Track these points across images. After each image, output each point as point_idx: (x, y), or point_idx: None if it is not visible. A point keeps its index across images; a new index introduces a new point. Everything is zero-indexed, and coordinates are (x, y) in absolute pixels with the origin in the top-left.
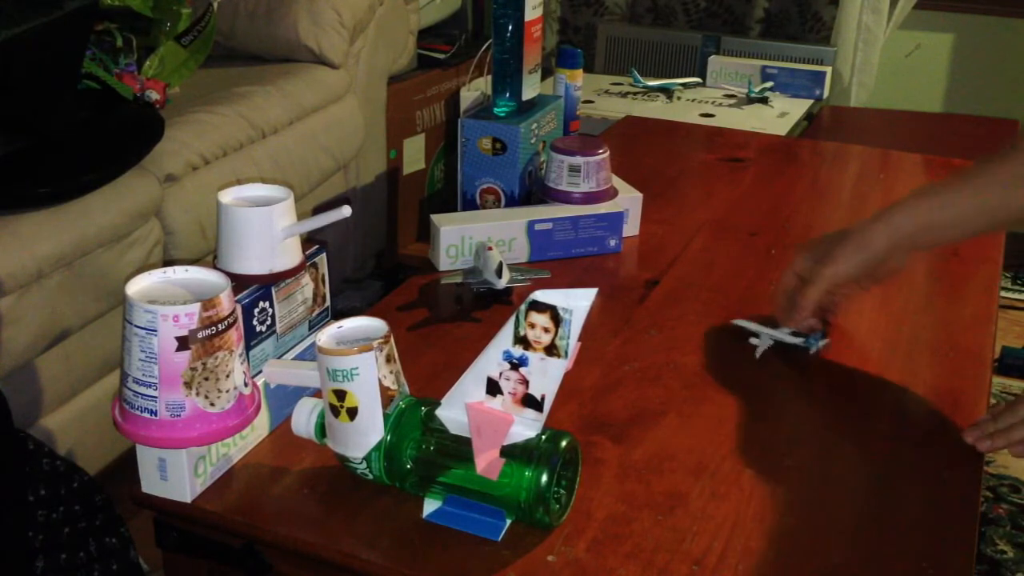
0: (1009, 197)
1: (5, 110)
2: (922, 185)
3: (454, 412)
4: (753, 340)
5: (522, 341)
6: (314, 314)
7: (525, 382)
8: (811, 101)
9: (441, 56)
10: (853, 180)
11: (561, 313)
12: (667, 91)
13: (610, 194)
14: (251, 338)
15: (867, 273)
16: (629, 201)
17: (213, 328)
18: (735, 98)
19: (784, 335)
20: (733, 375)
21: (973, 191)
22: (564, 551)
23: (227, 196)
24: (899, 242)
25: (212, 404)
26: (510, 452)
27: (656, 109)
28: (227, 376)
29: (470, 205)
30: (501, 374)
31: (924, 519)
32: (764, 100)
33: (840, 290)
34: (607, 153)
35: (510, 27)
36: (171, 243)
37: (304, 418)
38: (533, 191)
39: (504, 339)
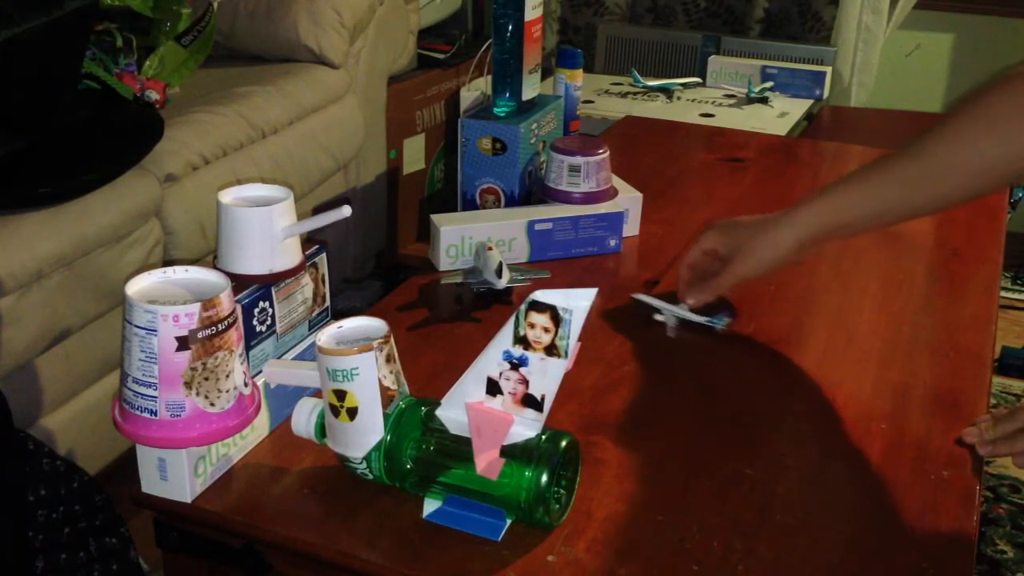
0: (911, 196)
1: (5, 110)
2: (830, 183)
3: (454, 412)
4: (657, 317)
5: (522, 341)
6: (314, 314)
7: (525, 382)
8: (811, 101)
9: (441, 56)
10: None
11: (561, 313)
12: (667, 91)
13: (610, 194)
14: (251, 338)
15: (774, 268)
16: (629, 201)
17: (213, 328)
18: (735, 98)
19: (686, 313)
20: (734, 375)
21: (875, 191)
22: (564, 551)
23: (227, 196)
24: (805, 241)
25: (212, 404)
26: (510, 452)
27: (656, 109)
28: (227, 376)
29: (470, 205)
30: (501, 374)
31: (924, 519)
32: (764, 100)
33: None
34: (607, 153)
35: (510, 27)
36: (171, 243)
37: (304, 418)
38: (533, 191)
39: (504, 339)
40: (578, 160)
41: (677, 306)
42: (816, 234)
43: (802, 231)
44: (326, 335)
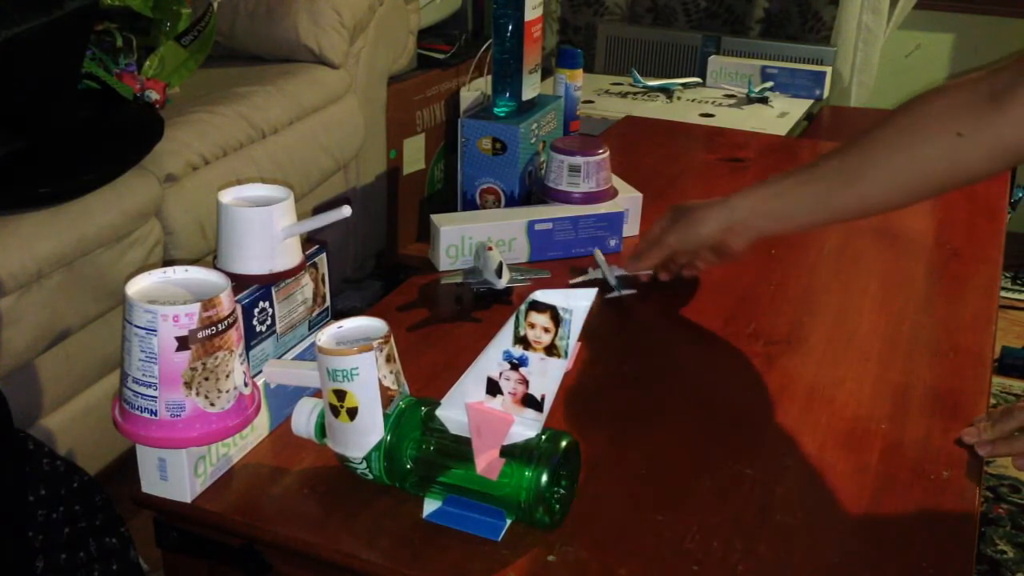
0: (842, 191)
1: (5, 110)
2: (772, 175)
3: (454, 412)
4: (592, 271)
5: (522, 341)
6: (314, 314)
7: (525, 382)
8: (811, 101)
9: (441, 56)
10: None
11: (561, 313)
12: (667, 91)
13: (610, 194)
14: (251, 338)
15: (703, 248)
16: (629, 201)
17: (213, 328)
18: (735, 98)
19: (611, 276)
20: (731, 376)
21: (807, 184)
22: (564, 551)
23: (227, 196)
24: (732, 226)
25: (212, 404)
26: (510, 452)
27: (656, 109)
28: (227, 376)
29: (470, 205)
30: (501, 374)
31: (924, 519)
32: (764, 100)
33: (684, 258)
34: (607, 153)
35: (510, 27)
36: (171, 243)
37: (304, 418)
38: (533, 191)
39: (504, 339)
40: (578, 160)
41: (612, 271)
42: (746, 220)
43: (732, 214)
44: (326, 335)
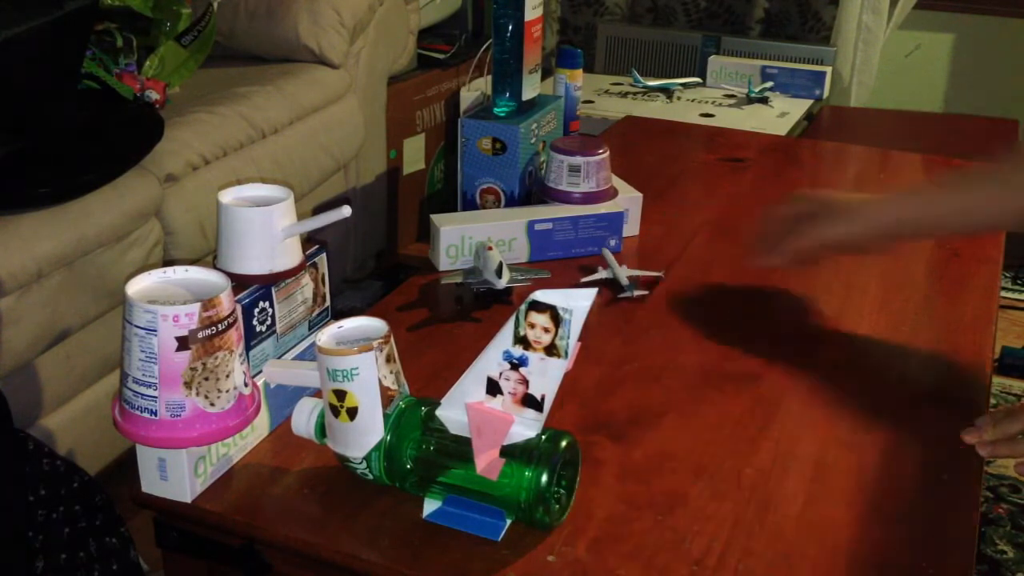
0: (990, 204)
1: (5, 110)
2: (920, 182)
3: (454, 412)
4: (602, 270)
5: (522, 341)
6: (314, 314)
7: (525, 382)
8: (811, 101)
9: (441, 56)
10: (853, 180)
11: (561, 313)
12: (667, 91)
13: (610, 194)
14: (251, 338)
15: (849, 246)
16: (629, 201)
17: (213, 328)
18: (735, 98)
19: (622, 277)
20: (733, 376)
21: (958, 195)
22: (564, 551)
23: (227, 196)
24: (882, 229)
25: (212, 404)
26: (510, 452)
27: (656, 109)
28: (227, 376)
29: (470, 205)
30: (501, 374)
31: (924, 519)
32: (764, 100)
33: (821, 251)
34: (607, 153)
35: (510, 27)
36: (171, 243)
37: (304, 418)
38: (533, 191)
39: (504, 339)
40: (578, 160)
41: (622, 270)
42: (893, 225)
43: (882, 219)
44: (326, 335)
